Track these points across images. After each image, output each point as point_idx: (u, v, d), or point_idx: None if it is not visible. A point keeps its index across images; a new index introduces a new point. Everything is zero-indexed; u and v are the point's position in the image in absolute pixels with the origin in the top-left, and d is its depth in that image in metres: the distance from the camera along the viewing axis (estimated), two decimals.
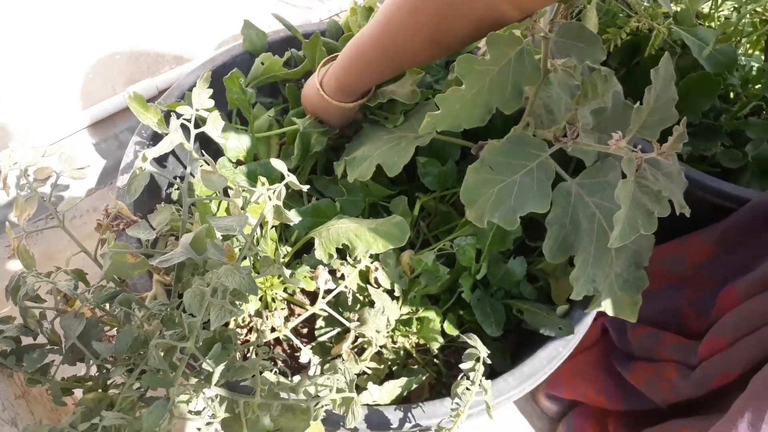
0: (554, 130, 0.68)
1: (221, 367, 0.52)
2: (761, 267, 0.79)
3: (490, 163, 0.67)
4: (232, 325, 0.80)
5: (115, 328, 0.62)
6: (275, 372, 0.61)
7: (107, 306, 0.61)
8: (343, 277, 0.80)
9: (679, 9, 1.03)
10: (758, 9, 1.01)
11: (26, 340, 0.59)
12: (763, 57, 1.08)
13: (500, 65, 0.66)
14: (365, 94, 0.89)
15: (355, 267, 0.79)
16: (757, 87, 1.05)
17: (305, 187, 0.69)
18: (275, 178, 0.89)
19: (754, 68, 1.06)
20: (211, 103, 0.71)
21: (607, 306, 0.72)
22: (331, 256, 0.78)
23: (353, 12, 1.06)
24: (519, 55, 0.66)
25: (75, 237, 0.66)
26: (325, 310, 0.77)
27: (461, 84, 0.66)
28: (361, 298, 0.82)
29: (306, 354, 0.77)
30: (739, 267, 0.87)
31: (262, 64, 0.99)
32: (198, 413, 0.54)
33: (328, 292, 0.77)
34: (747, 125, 1.03)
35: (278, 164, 0.70)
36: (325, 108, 0.89)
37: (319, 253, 0.78)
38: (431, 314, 0.82)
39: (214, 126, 0.72)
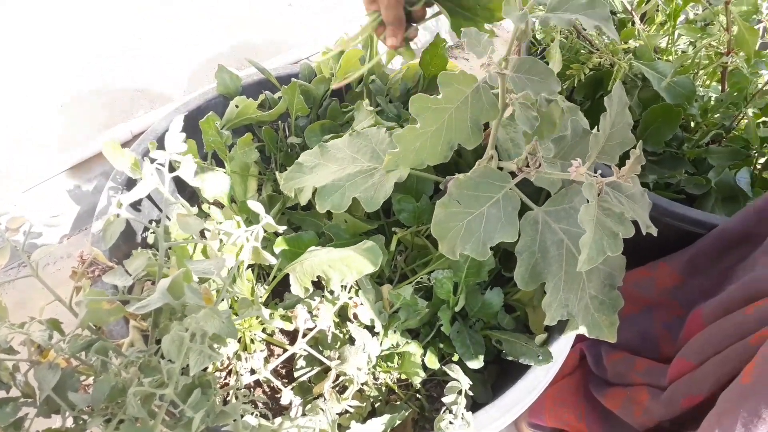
0: (517, 161, 0.70)
1: (201, 413, 0.52)
2: (725, 291, 0.81)
3: (458, 197, 0.69)
4: (210, 369, 0.79)
5: (92, 378, 0.61)
6: (256, 415, 0.61)
7: (83, 355, 0.60)
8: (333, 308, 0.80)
9: (638, 44, 1.07)
10: (713, 43, 1.06)
11: None
12: (720, 87, 1.13)
13: (457, 103, 0.69)
14: None
15: (334, 304, 0.79)
16: (715, 116, 1.09)
17: (281, 228, 0.70)
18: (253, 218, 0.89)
19: (712, 98, 1.11)
20: (185, 147, 0.71)
21: (585, 329, 0.73)
22: (307, 290, 0.78)
23: (325, 54, 1.08)
24: (475, 92, 0.68)
25: (49, 285, 0.65)
26: (305, 350, 0.77)
27: (416, 122, 0.69)
28: (341, 335, 0.82)
29: (287, 395, 0.76)
30: (705, 291, 0.90)
31: (237, 107, 1.00)
32: None
33: (308, 330, 0.77)
34: (708, 153, 1.07)
35: (255, 206, 0.70)
36: None
37: (295, 288, 0.78)
38: (412, 348, 0.82)
39: (188, 169, 0.72)
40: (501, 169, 0.73)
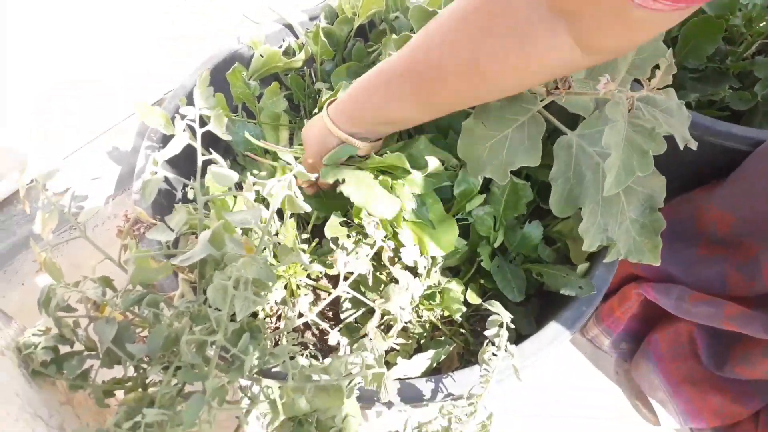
0: (546, 83, 0.68)
1: (253, 355, 0.54)
2: None
3: (483, 119, 0.69)
4: (261, 316, 0.82)
5: (147, 329, 0.64)
6: (306, 356, 0.63)
7: (136, 308, 0.63)
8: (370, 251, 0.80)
9: None
10: None
11: (63, 349, 0.62)
12: None
13: None
14: (375, 139, 0.79)
15: (372, 246, 0.79)
16: (761, 25, 1.02)
17: (313, 176, 0.70)
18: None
19: (757, 6, 1.04)
20: (214, 100, 0.71)
21: (627, 253, 0.72)
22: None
23: None
24: None
25: (98, 245, 0.68)
26: (348, 292, 0.79)
27: None
28: (383, 277, 0.84)
29: (334, 336, 0.78)
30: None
31: (262, 56, 0.99)
32: (236, 402, 0.55)
33: (349, 274, 0.79)
34: (754, 65, 1.01)
35: (286, 156, 0.71)
36: (324, 141, 0.78)
37: (329, 230, 0.80)
38: (453, 286, 0.82)
39: (218, 123, 0.72)
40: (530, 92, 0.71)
